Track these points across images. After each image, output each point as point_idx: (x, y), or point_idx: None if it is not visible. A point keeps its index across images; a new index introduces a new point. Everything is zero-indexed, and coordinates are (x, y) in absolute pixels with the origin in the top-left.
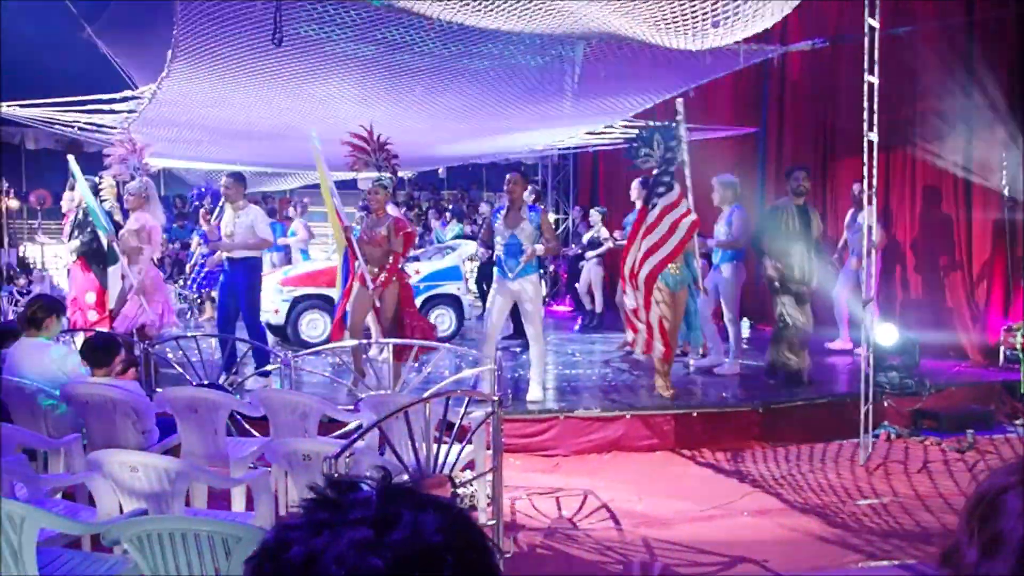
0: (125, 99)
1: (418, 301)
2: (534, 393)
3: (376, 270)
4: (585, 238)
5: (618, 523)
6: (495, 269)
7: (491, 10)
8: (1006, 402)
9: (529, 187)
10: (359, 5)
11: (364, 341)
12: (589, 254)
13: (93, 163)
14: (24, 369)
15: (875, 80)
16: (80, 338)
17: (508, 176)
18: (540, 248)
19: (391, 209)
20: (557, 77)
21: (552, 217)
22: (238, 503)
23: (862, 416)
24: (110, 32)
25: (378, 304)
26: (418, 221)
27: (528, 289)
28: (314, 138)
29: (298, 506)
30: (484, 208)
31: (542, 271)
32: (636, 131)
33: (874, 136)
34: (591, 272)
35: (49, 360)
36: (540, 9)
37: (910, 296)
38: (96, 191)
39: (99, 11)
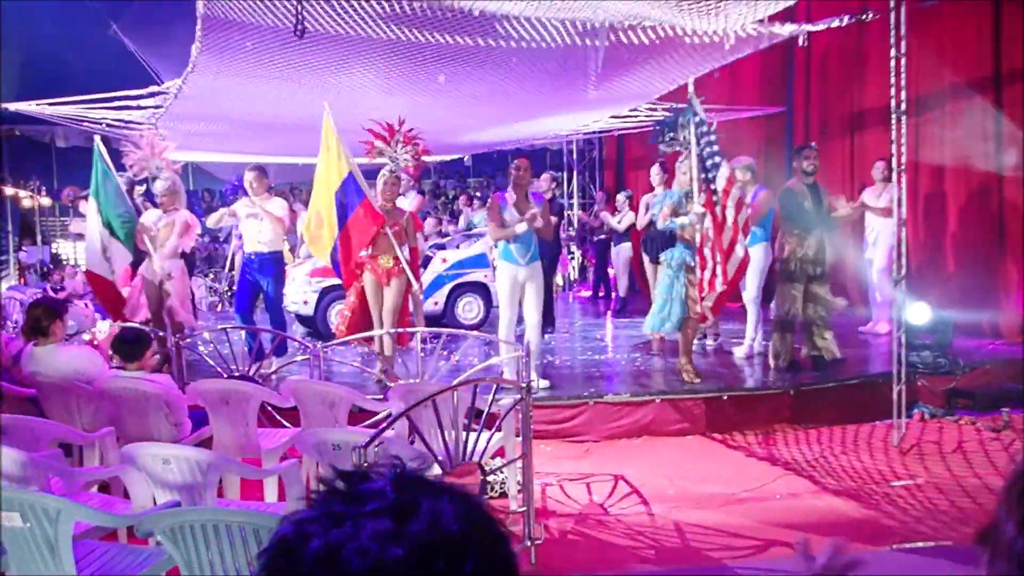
0: (152, 95)
1: (445, 289)
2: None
3: (390, 261)
4: (614, 222)
5: (649, 508)
6: (501, 256)
7: None
8: None
9: (550, 176)
10: None
11: (390, 331)
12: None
13: (121, 159)
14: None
15: (903, 55)
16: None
17: (516, 161)
18: (522, 227)
19: (408, 202)
20: (580, 61)
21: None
22: (270, 494)
23: (895, 396)
24: (135, 28)
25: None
26: (444, 209)
27: (536, 275)
28: (327, 112)
29: (308, 499)
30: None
31: (571, 256)
32: (661, 114)
33: (903, 112)
34: (621, 255)
35: (64, 366)
36: None
37: (943, 274)
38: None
39: (124, 8)
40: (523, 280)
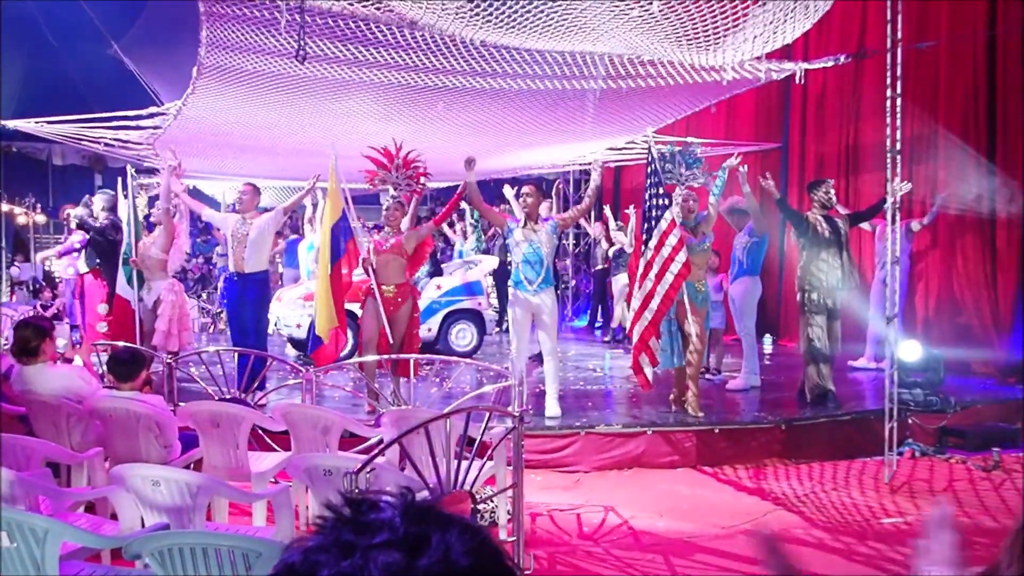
0: (151, 115)
1: (439, 316)
2: (552, 409)
3: (393, 288)
4: (610, 252)
5: (639, 540)
6: (512, 284)
7: (513, 27)
8: None
9: (545, 201)
10: (382, 23)
11: (380, 357)
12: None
13: (118, 178)
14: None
15: (899, 95)
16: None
17: (524, 189)
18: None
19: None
20: (578, 93)
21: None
22: (259, 518)
23: (886, 433)
24: (136, 49)
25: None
26: (439, 236)
27: (547, 302)
28: (333, 155)
29: (315, 524)
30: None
31: (563, 285)
32: (654, 146)
33: (898, 151)
34: (618, 285)
35: (54, 385)
36: (562, 27)
37: (934, 312)
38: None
39: (126, 28)
40: (533, 307)
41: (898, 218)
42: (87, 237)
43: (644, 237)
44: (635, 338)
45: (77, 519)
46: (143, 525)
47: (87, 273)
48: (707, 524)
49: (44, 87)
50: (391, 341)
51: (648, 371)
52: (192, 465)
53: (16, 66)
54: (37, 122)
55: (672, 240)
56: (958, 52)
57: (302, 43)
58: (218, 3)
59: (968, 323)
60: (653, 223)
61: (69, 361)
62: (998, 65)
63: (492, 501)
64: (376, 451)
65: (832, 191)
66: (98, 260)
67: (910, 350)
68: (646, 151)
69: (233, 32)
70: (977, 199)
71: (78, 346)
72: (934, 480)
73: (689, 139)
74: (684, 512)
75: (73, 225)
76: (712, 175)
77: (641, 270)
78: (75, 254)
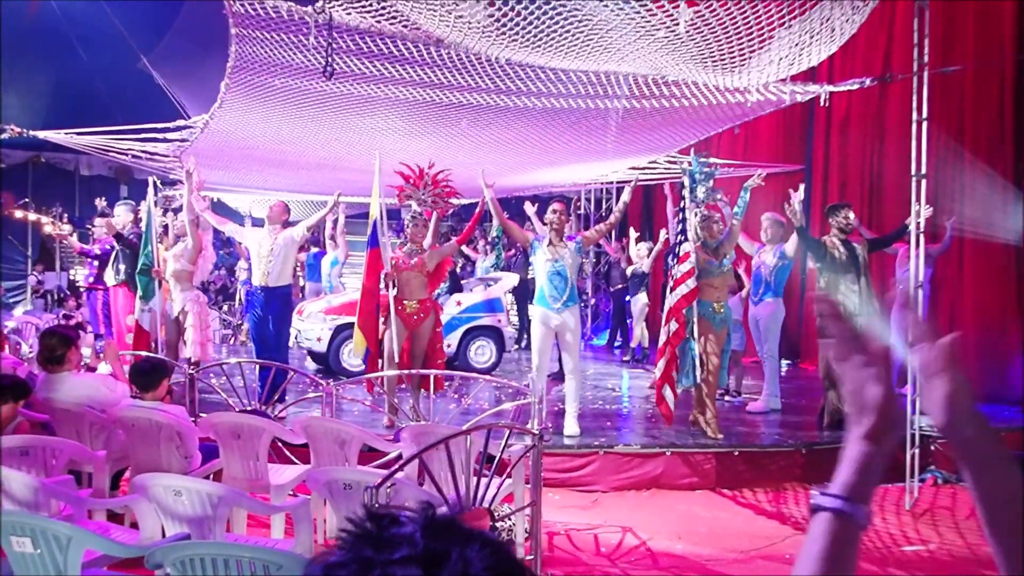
0: (178, 128)
1: (459, 332)
2: (570, 428)
3: (415, 304)
4: (629, 271)
5: (657, 563)
6: (535, 301)
7: (538, 47)
8: None
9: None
10: (409, 40)
11: (401, 372)
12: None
13: (143, 190)
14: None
15: (924, 119)
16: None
17: (553, 206)
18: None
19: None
20: (601, 112)
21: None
22: (277, 530)
23: (908, 460)
24: (164, 63)
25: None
26: (458, 253)
27: (570, 321)
28: (377, 160)
29: (336, 539)
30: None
31: (583, 304)
32: (686, 164)
33: (923, 175)
34: (637, 305)
35: (79, 393)
36: (587, 47)
37: (959, 338)
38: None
39: (155, 42)
40: (556, 325)
41: (922, 242)
42: (108, 248)
43: (667, 264)
44: (659, 372)
45: (97, 526)
46: (163, 535)
47: (116, 286)
48: (726, 548)
49: (73, 99)
50: (413, 356)
51: (671, 402)
52: (212, 476)
53: (46, 78)
54: (67, 133)
55: (684, 268)
56: (985, 76)
57: (330, 60)
58: (248, 20)
59: (992, 348)
60: (676, 248)
61: (93, 370)
62: None
63: (510, 519)
64: (396, 466)
65: (851, 216)
66: (129, 272)
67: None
68: (680, 174)
69: (262, 48)
70: (1003, 224)
71: (102, 355)
72: (956, 508)
73: (710, 159)
74: (703, 535)
75: (99, 235)
76: (723, 196)
77: (672, 303)
78: (92, 261)
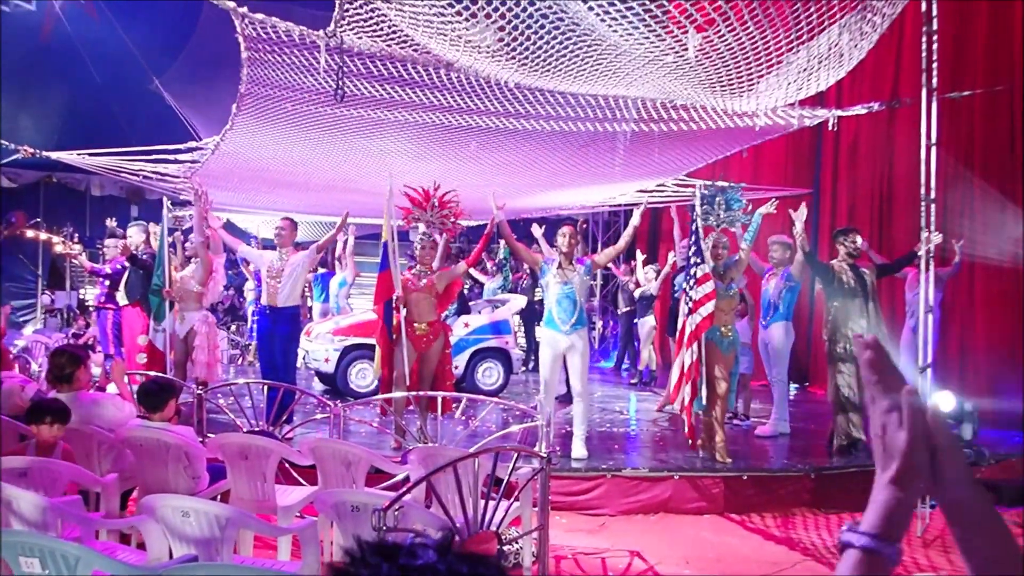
0: (189, 149)
1: (466, 354)
2: (578, 451)
3: (425, 326)
4: (637, 294)
5: None
6: (544, 323)
7: (548, 71)
8: None
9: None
10: (419, 64)
11: (409, 393)
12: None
13: (154, 210)
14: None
15: (933, 144)
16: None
17: (563, 229)
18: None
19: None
20: (610, 135)
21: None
22: (284, 552)
23: None
24: (176, 84)
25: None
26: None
27: (579, 343)
28: (389, 182)
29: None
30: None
31: (591, 326)
32: (698, 188)
33: (932, 199)
34: (644, 327)
35: (87, 412)
36: (597, 71)
37: (969, 363)
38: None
39: (167, 64)
40: (564, 348)
41: (932, 267)
42: (119, 268)
43: (684, 286)
44: (686, 397)
45: (105, 547)
46: (171, 555)
47: (127, 306)
48: (734, 574)
49: (85, 120)
50: (422, 377)
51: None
52: (219, 497)
53: (59, 99)
54: (79, 154)
55: (704, 290)
56: (994, 101)
57: (341, 83)
58: (260, 43)
59: (1003, 374)
60: (691, 271)
61: (102, 389)
62: None
63: (517, 542)
64: (404, 489)
65: (859, 240)
66: (141, 292)
67: (943, 401)
68: (688, 199)
69: (273, 71)
70: (1012, 249)
71: (110, 375)
72: None
73: (731, 183)
74: (711, 561)
75: (109, 254)
76: (749, 219)
77: (692, 327)
78: (103, 280)
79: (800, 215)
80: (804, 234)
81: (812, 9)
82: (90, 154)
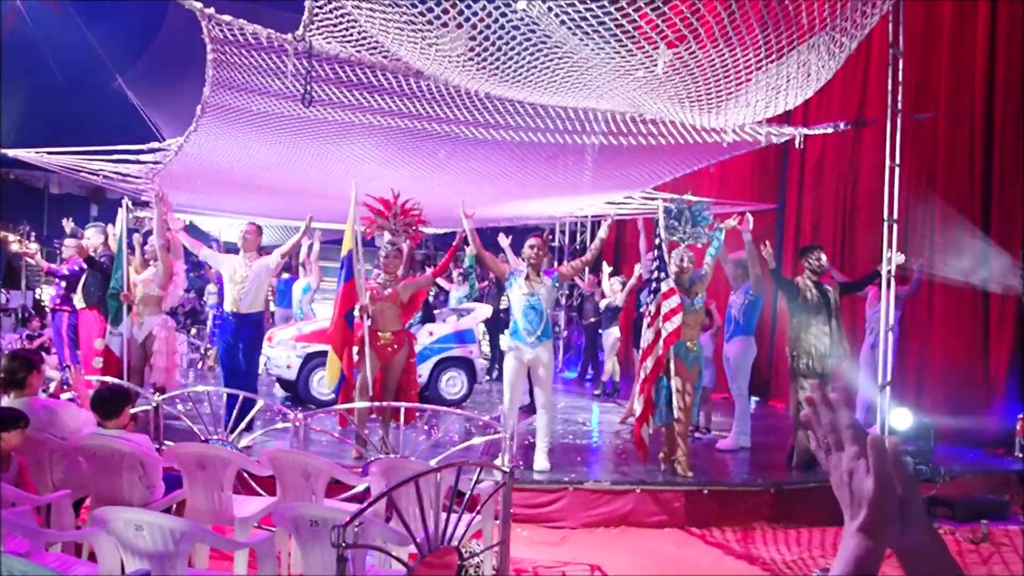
0: (152, 150)
1: (430, 363)
2: (540, 463)
3: (389, 335)
4: (601, 305)
5: None
6: (509, 334)
7: (519, 82)
8: (1022, 493)
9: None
10: (388, 71)
11: (373, 404)
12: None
13: (115, 210)
14: None
15: (897, 165)
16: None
17: (531, 241)
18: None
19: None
20: (578, 148)
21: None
22: (240, 565)
23: None
24: (140, 83)
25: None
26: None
27: (544, 355)
28: (353, 189)
29: None
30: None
31: (555, 337)
32: (662, 203)
33: (895, 219)
34: (609, 339)
35: (39, 419)
36: (567, 83)
37: (927, 381)
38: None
39: (131, 62)
40: (529, 359)
41: (893, 286)
42: (77, 269)
43: (647, 301)
44: (637, 409)
45: (53, 559)
46: (123, 569)
47: (84, 309)
48: None
49: (45, 117)
50: (386, 387)
51: (647, 440)
52: (175, 507)
53: (18, 95)
54: (38, 152)
55: (671, 303)
56: (956, 124)
57: (309, 88)
58: (226, 45)
59: (959, 393)
60: (654, 285)
61: (56, 397)
62: (995, 138)
63: (478, 556)
64: (364, 506)
65: (823, 257)
66: (99, 295)
67: (901, 418)
68: (655, 212)
69: (239, 74)
70: (971, 270)
71: (67, 386)
72: None
73: (696, 197)
74: (672, 574)
75: (66, 254)
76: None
77: (649, 340)
78: (59, 282)
79: (746, 225)
80: (771, 254)
81: (782, 29)
82: (49, 152)
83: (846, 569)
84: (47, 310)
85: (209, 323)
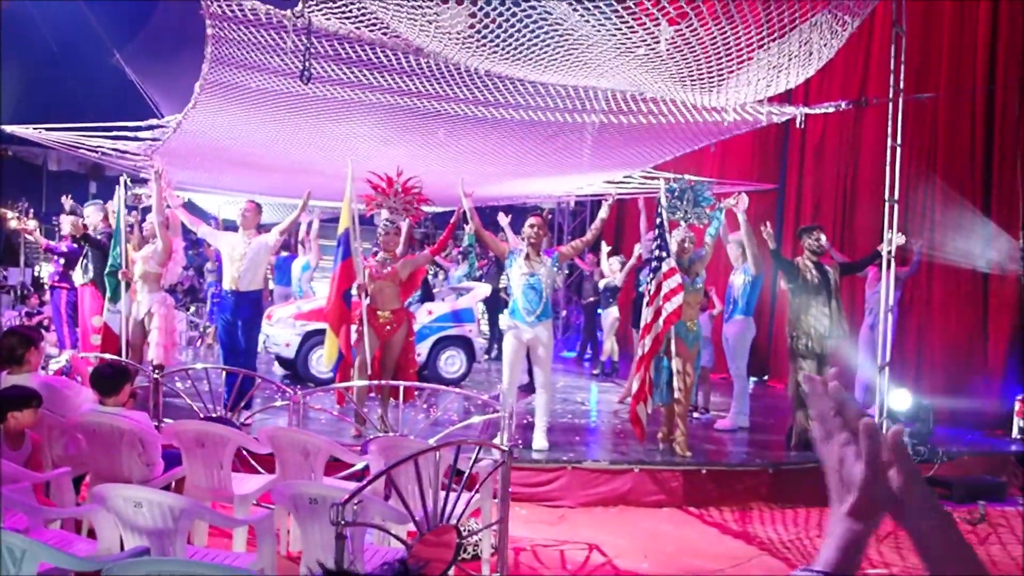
0: (150, 127)
1: (429, 342)
2: (539, 442)
3: (388, 314)
4: (601, 285)
5: None
6: (508, 314)
7: (519, 60)
8: (1019, 474)
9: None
10: (388, 48)
11: (372, 382)
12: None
13: (113, 187)
14: None
15: (898, 145)
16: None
17: (531, 220)
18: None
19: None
20: (578, 126)
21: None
22: (239, 542)
23: None
24: (138, 59)
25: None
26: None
27: (543, 335)
28: (350, 168)
29: None
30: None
31: (554, 316)
32: (664, 182)
33: (895, 200)
34: (608, 319)
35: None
36: (567, 61)
37: (926, 362)
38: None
39: (129, 38)
40: (529, 339)
41: (893, 267)
42: (75, 246)
43: (647, 280)
44: (634, 387)
45: (53, 536)
46: (122, 546)
47: (84, 285)
48: (692, 568)
49: (44, 93)
50: (384, 366)
51: (644, 420)
52: (174, 484)
53: (16, 71)
54: (36, 128)
55: (672, 283)
56: (957, 105)
57: (307, 64)
58: (225, 21)
59: (958, 374)
60: (654, 264)
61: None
62: (996, 120)
63: (477, 535)
64: (363, 484)
65: (823, 238)
66: (97, 272)
67: (900, 399)
68: (655, 192)
69: (238, 50)
70: (971, 251)
71: (67, 375)
72: None
73: (697, 177)
74: (669, 554)
75: (65, 231)
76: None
77: (648, 319)
78: (58, 259)
79: (741, 204)
80: (771, 235)
81: (784, 6)
82: (47, 129)
83: (832, 557)
84: (46, 287)
85: (208, 301)
